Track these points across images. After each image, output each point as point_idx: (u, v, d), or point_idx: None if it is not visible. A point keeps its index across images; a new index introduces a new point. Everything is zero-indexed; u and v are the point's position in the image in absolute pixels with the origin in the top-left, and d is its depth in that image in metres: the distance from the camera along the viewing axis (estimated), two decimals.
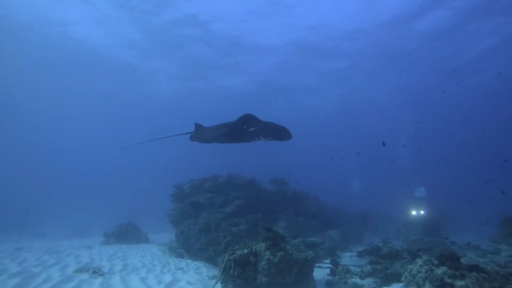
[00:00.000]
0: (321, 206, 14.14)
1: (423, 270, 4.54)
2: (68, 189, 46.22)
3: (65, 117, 44.86)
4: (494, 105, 34.81)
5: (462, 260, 4.51)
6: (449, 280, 4.21)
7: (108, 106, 41.83)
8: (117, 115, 45.75)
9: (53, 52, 27.35)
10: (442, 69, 27.41)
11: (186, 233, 9.71)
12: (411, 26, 22.17)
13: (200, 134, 6.34)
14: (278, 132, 6.17)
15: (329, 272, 6.57)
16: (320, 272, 6.64)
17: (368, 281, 5.96)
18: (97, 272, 5.74)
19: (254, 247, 5.77)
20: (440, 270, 4.39)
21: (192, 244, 9.20)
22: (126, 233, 13.63)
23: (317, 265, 6.44)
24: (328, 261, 7.51)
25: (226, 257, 5.71)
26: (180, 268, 7.13)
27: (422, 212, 14.46)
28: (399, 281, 6.03)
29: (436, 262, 4.60)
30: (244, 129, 5.89)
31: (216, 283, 5.41)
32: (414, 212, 14.64)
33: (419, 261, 4.84)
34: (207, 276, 6.58)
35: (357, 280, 6.00)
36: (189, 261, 8.38)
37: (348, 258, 7.84)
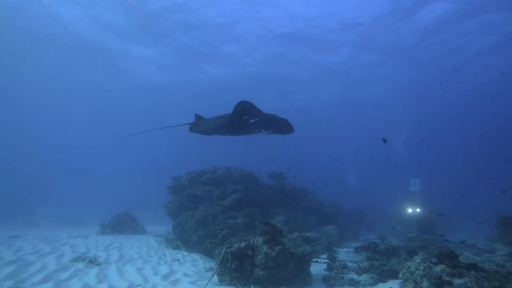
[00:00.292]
0: (319, 202, 14.16)
1: (421, 267, 4.53)
2: (64, 179, 46.13)
3: (59, 106, 44.06)
4: (495, 103, 34.62)
5: (460, 258, 4.49)
6: (447, 278, 4.20)
7: (100, 95, 40.94)
8: (111, 106, 44.92)
9: (39, 35, 26.40)
10: (443, 65, 27.18)
11: (183, 225, 9.68)
12: (411, 20, 21.87)
13: (200, 125, 6.16)
14: (280, 125, 5.91)
15: (326, 267, 6.57)
16: (317, 267, 6.64)
17: (364, 277, 5.96)
18: (93, 261, 5.70)
19: (252, 241, 5.74)
20: (438, 268, 4.38)
21: (189, 236, 9.17)
22: (123, 224, 13.59)
23: (314, 260, 6.44)
24: (325, 256, 7.52)
25: (224, 250, 5.69)
26: (177, 260, 7.10)
27: (418, 210, 14.51)
28: (395, 277, 6.04)
29: (434, 260, 4.59)
30: (245, 120, 5.62)
31: (213, 275, 5.39)
32: (410, 210, 14.70)
33: (417, 259, 4.83)
34: (204, 268, 6.56)
35: (353, 276, 6.00)
36: (185, 253, 8.37)
37: (344, 254, 7.85)
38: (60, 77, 35.11)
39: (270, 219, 10.23)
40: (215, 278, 5.52)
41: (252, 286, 5.30)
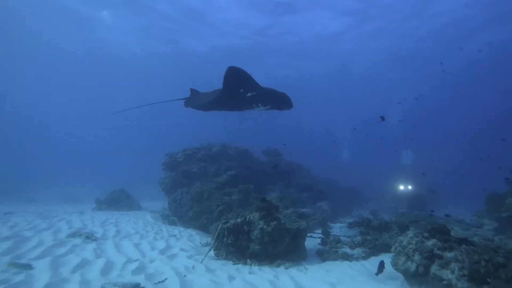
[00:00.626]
0: (313, 179, 14.32)
1: (414, 242, 4.63)
2: (59, 156, 45.87)
3: (49, 78, 42.64)
4: (495, 80, 34.43)
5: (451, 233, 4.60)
6: (438, 252, 4.32)
7: (82, 68, 39.52)
8: (96, 79, 43.65)
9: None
10: (441, 36, 26.68)
11: (178, 201, 9.75)
12: None
13: (195, 99, 5.88)
14: (278, 100, 5.57)
15: (320, 242, 6.73)
16: (311, 242, 6.79)
17: (357, 251, 6.13)
18: (90, 237, 5.73)
19: (248, 216, 5.81)
20: (430, 242, 4.49)
21: (184, 212, 9.27)
22: (118, 200, 13.66)
23: (308, 235, 6.57)
24: (319, 231, 7.69)
25: (220, 226, 5.76)
26: (173, 235, 7.20)
27: (409, 187, 14.80)
28: (387, 251, 6.23)
29: (426, 234, 4.70)
30: (241, 94, 5.27)
31: (210, 250, 5.48)
32: (402, 187, 14.98)
33: (410, 233, 4.94)
34: (200, 243, 6.67)
35: (347, 250, 6.17)
36: (181, 228, 8.48)
37: (338, 229, 8.03)
38: (30, 45, 32.87)
39: (265, 195, 10.35)
40: (212, 252, 5.62)
41: (248, 260, 5.41)
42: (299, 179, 13.66)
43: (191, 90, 5.86)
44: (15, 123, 49.03)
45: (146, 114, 46.49)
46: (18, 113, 49.34)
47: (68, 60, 36.25)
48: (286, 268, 5.16)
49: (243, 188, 10.12)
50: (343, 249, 6.15)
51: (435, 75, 30.32)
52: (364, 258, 5.96)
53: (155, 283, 3.73)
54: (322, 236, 6.99)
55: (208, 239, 7.12)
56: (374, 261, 5.66)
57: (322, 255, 6.14)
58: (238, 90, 5.19)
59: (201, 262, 4.96)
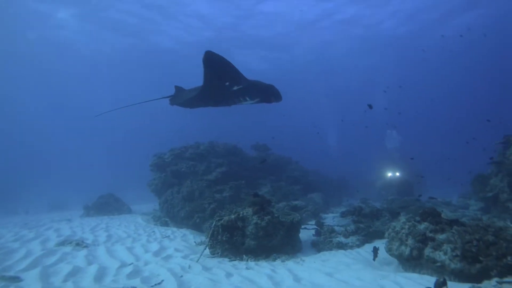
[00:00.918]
0: (303, 171, 14.40)
1: (406, 226, 4.71)
2: (40, 163, 44.52)
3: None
4: (479, 65, 35.08)
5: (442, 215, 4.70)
6: (430, 234, 4.41)
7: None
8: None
9: None
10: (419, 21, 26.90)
11: (170, 202, 9.62)
12: None
13: (180, 97, 5.63)
14: (267, 92, 5.28)
15: (314, 233, 6.77)
16: (306, 233, 6.83)
17: (352, 239, 6.20)
18: (80, 244, 5.57)
19: (241, 213, 5.78)
20: (422, 226, 4.58)
21: (176, 212, 9.15)
22: (107, 205, 13.37)
23: (302, 227, 6.60)
24: (312, 222, 7.74)
25: (214, 223, 5.71)
26: (167, 236, 7.10)
27: (397, 173, 15.09)
28: (381, 237, 6.33)
29: (418, 218, 4.79)
30: (227, 87, 4.93)
31: (205, 248, 5.42)
32: (390, 174, 15.26)
33: (402, 218, 5.02)
34: (195, 242, 6.60)
35: (341, 239, 6.23)
36: (174, 229, 8.37)
37: (331, 219, 8.11)
38: None
39: (256, 190, 10.34)
40: (207, 251, 5.57)
41: (244, 256, 5.39)
42: (289, 172, 13.70)
43: (176, 87, 5.64)
44: None
45: (128, 114, 45.56)
46: None
47: (35, 62, 34.81)
48: (283, 261, 5.16)
49: (234, 184, 10.07)
50: (338, 239, 6.22)
51: (417, 62, 30.70)
52: (359, 246, 6.04)
53: (152, 286, 3.65)
54: (316, 227, 7.04)
55: (202, 238, 7.06)
56: (368, 248, 5.74)
57: (317, 246, 6.18)
58: (220, 78, 4.82)
59: (197, 261, 4.90)
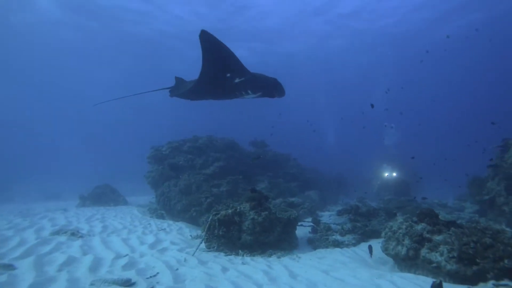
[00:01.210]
0: (300, 168, 14.41)
1: (404, 226, 4.71)
2: (36, 152, 44.26)
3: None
4: (481, 64, 34.74)
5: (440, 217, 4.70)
6: (427, 235, 4.41)
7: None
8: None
9: None
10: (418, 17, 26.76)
11: (166, 195, 9.58)
12: None
13: (181, 88, 5.43)
14: (270, 86, 5.01)
15: (310, 230, 6.77)
16: (302, 230, 6.83)
17: (348, 237, 6.20)
18: (75, 234, 5.53)
19: (238, 207, 5.76)
20: (419, 226, 4.58)
21: (173, 205, 9.13)
22: (103, 195, 13.33)
23: (299, 224, 6.60)
24: (309, 220, 7.73)
25: (211, 217, 5.68)
26: (163, 229, 7.07)
27: (394, 174, 15.13)
28: (377, 237, 6.35)
29: (415, 219, 4.79)
30: (228, 78, 4.69)
31: (201, 242, 5.40)
32: (387, 174, 15.30)
33: (399, 219, 5.02)
34: (190, 236, 6.58)
35: (337, 237, 6.24)
36: (170, 222, 8.34)
37: (327, 217, 8.11)
38: None
39: (253, 186, 10.33)
40: (203, 245, 5.55)
41: (240, 251, 5.38)
42: (286, 169, 13.70)
43: (176, 78, 5.51)
44: None
45: (121, 106, 45.24)
46: None
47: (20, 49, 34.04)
48: (279, 258, 5.15)
49: (232, 179, 10.06)
50: (334, 237, 6.22)
51: (417, 60, 30.46)
52: (355, 244, 6.05)
53: (147, 278, 3.62)
54: (313, 224, 7.03)
55: (198, 231, 7.03)
56: (364, 247, 5.75)
57: (313, 243, 6.19)
58: (219, 61, 4.51)
59: (193, 254, 4.88)
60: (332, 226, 6.80)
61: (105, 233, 6.16)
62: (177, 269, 4.01)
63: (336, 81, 41.29)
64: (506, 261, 3.42)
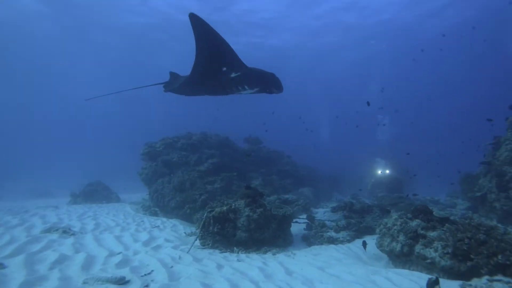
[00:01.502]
0: (294, 165, 14.42)
1: (398, 223, 4.74)
2: (26, 149, 43.49)
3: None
4: (477, 63, 35.01)
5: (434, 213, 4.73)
6: (422, 232, 4.44)
7: None
8: None
9: None
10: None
11: (160, 192, 9.49)
12: None
13: (174, 83, 5.25)
14: (268, 81, 4.78)
15: (305, 227, 6.77)
16: (296, 227, 6.83)
17: (342, 234, 6.23)
18: (67, 232, 5.43)
19: (233, 204, 5.73)
20: (414, 223, 4.61)
21: (167, 202, 9.05)
22: (96, 193, 13.16)
23: (293, 220, 6.59)
24: (303, 216, 7.74)
25: (205, 214, 5.64)
26: (156, 226, 7.00)
27: (387, 171, 15.26)
28: (371, 233, 6.38)
29: (410, 215, 4.82)
30: (224, 72, 4.49)
31: (196, 239, 5.35)
32: (380, 172, 15.42)
33: (394, 215, 5.05)
34: (185, 233, 6.52)
35: (332, 233, 6.25)
36: (164, 219, 8.27)
37: (322, 214, 8.13)
38: None
39: (247, 183, 10.31)
40: (198, 242, 5.51)
41: (235, 248, 5.35)
42: (280, 166, 13.71)
43: (171, 73, 5.39)
44: None
45: (117, 101, 44.63)
46: None
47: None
48: (274, 254, 5.14)
49: (226, 176, 10.01)
50: (329, 233, 6.23)
51: (412, 56, 30.43)
52: (349, 241, 6.07)
53: (142, 276, 3.57)
54: (307, 221, 7.04)
55: (192, 228, 6.98)
56: (359, 244, 5.78)
57: (308, 240, 6.19)
58: (214, 49, 4.26)
59: (188, 252, 4.83)
60: (327, 222, 6.81)
61: (97, 231, 6.07)
62: (172, 267, 3.96)
63: (328, 77, 41.16)
64: (499, 256, 3.45)
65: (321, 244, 5.94)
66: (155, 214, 9.16)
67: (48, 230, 5.40)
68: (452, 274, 3.80)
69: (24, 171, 26.94)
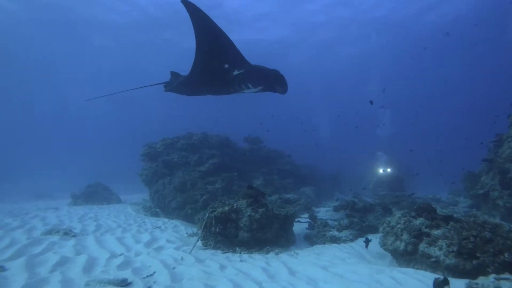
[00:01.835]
0: (295, 165, 14.39)
1: (402, 221, 4.70)
2: (26, 151, 43.46)
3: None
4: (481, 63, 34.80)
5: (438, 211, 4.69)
6: (426, 230, 4.40)
7: None
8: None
9: None
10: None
11: (161, 192, 9.46)
12: None
13: (175, 82, 5.02)
14: (272, 79, 4.50)
15: (307, 226, 6.73)
16: (298, 227, 6.79)
17: (345, 233, 6.19)
18: (68, 233, 5.39)
19: (235, 204, 5.69)
20: (417, 221, 4.57)
21: (168, 203, 9.01)
22: (96, 194, 13.12)
23: (296, 220, 6.55)
24: (305, 216, 7.70)
25: (207, 215, 5.60)
26: (158, 227, 6.96)
27: (389, 170, 15.21)
28: (373, 232, 6.34)
29: (413, 214, 4.78)
30: (226, 70, 4.26)
31: (198, 240, 5.31)
32: (381, 170, 15.36)
33: (398, 214, 5.01)
34: (186, 233, 6.49)
35: (334, 232, 6.21)
36: (165, 219, 8.23)
37: (324, 213, 8.09)
38: None
39: (248, 183, 10.27)
40: (200, 243, 5.47)
41: (237, 248, 5.31)
42: (281, 165, 13.66)
43: (172, 73, 5.30)
44: None
45: (117, 102, 44.49)
46: None
47: None
48: (276, 254, 5.10)
49: (227, 176, 9.97)
50: (331, 232, 6.19)
51: (412, 52, 30.25)
52: (352, 240, 6.03)
53: (144, 277, 3.53)
54: (310, 220, 7.00)
55: (193, 229, 6.94)
56: (361, 243, 5.73)
57: (311, 239, 6.15)
58: (213, 41, 4.01)
59: (190, 252, 4.79)
60: (329, 222, 6.78)
61: (98, 232, 6.03)
62: (174, 268, 3.92)
63: (327, 74, 40.75)
64: (506, 254, 3.42)
65: (324, 243, 5.90)
66: (156, 215, 9.12)
67: (49, 232, 5.36)
68: (457, 272, 3.76)
69: (23, 173, 26.93)
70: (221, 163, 10.83)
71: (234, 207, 5.64)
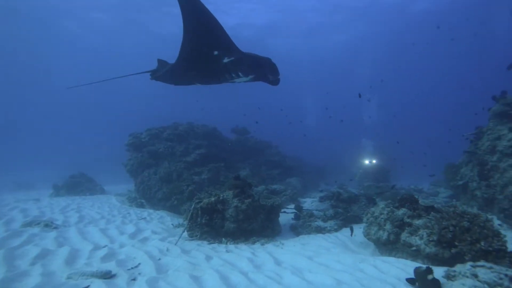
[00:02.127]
0: (282, 156, 14.45)
1: (385, 212, 4.81)
2: (8, 139, 41.93)
3: None
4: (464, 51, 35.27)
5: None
6: (408, 220, 4.53)
7: None
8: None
9: None
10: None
11: (146, 183, 9.33)
12: None
13: (162, 70, 4.73)
14: (265, 68, 4.24)
15: (293, 217, 6.80)
16: (284, 217, 6.85)
17: (330, 223, 6.29)
18: (49, 225, 5.25)
19: (221, 195, 5.67)
20: (400, 212, 4.69)
21: (153, 194, 8.91)
22: (79, 184, 12.82)
23: (282, 210, 6.61)
24: (291, 206, 7.78)
25: (193, 206, 5.57)
26: (143, 218, 6.89)
27: (374, 161, 15.45)
28: (358, 222, 6.47)
29: (396, 204, 4.89)
30: (215, 57, 3.98)
31: (184, 231, 5.29)
32: (367, 161, 15.59)
33: (381, 204, 5.12)
34: (172, 224, 6.44)
35: (320, 223, 6.30)
36: (151, 210, 8.16)
37: (309, 204, 8.19)
38: None
39: (235, 173, 10.25)
40: (185, 233, 5.45)
41: (223, 239, 5.32)
42: (268, 156, 13.71)
43: (159, 61, 5.09)
44: None
45: (102, 90, 43.34)
46: None
47: None
48: (262, 244, 5.14)
49: (213, 167, 9.93)
50: (316, 223, 6.28)
51: (398, 42, 30.36)
52: (337, 230, 6.15)
53: (128, 269, 3.49)
54: (295, 211, 7.07)
55: (179, 220, 6.91)
56: (346, 232, 5.85)
57: (296, 230, 6.23)
58: (203, 28, 3.78)
59: (175, 244, 4.76)
60: (315, 212, 6.86)
61: (81, 224, 5.92)
62: (159, 259, 3.90)
63: (316, 61, 40.58)
64: (482, 243, 3.55)
65: (309, 233, 5.98)
66: (141, 205, 9.02)
67: (29, 224, 5.21)
68: (436, 260, 3.89)
69: (3, 163, 26.00)
70: (208, 154, 10.76)
71: (221, 198, 5.63)
